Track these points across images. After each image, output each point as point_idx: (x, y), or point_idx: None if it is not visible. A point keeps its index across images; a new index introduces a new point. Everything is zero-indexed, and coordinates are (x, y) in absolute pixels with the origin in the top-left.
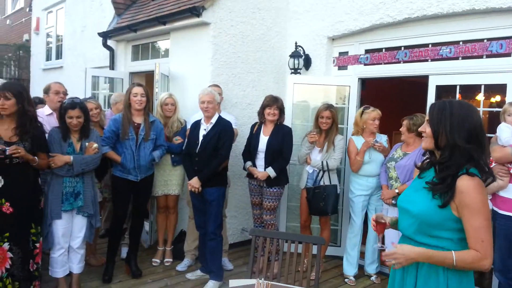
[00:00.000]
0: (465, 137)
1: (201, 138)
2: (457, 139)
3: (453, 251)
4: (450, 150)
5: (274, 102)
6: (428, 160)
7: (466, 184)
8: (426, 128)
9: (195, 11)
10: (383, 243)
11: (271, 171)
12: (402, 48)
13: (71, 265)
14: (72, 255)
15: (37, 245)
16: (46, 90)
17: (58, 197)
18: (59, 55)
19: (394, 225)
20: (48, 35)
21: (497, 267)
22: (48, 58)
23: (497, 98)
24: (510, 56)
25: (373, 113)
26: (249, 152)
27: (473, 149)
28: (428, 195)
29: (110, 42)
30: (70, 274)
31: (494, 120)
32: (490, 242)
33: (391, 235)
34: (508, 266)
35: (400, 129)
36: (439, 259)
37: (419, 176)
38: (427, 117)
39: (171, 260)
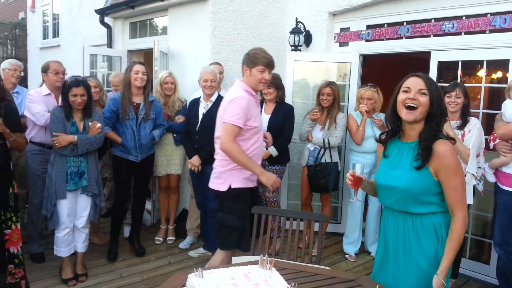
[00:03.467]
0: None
1: (200, 116)
2: (443, 108)
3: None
4: (438, 119)
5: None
6: (386, 134)
7: (442, 149)
8: (420, 99)
9: None
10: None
11: (273, 150)
12: (404, 23)
13: (76, 244)
14: (77, 235)
15: (8, 231)
16: (45, 69)
17: (63, 177)
18: (56, 34)
19: (366, 187)
20: (44, 13)
21: (497, 241)
22: (45, 36)
23: (499, 74)
24: None
25: (362, 92)
26: None
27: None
28: (406, 168)
29: (107, 19)
30: (74, 253)
31: (495, 96)
32: (465, 201)
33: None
34: (507, 240)
35: None
36: (451, 255)
37: (384, 155)
38: (420, 87)
39: (173, 238)
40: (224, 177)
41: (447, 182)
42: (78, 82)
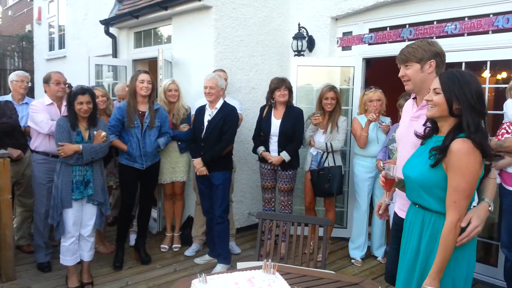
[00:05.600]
0: (477, 101)
1: (206, 123)
2: (472, 102)
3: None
4: (469, 114)
5: (282, 83)
6: (429, 128)
7: (457, 146)
8: (433, 97)
9: None
10: (391, 198)
11: (285, 156)
12: (407, 26)
13: (81, 253)
14: (83, 243)
15: None
16: (46, 80)
17: (68, 186)
18: (62, 45)
19: (399, 185)
20: (50, 25)
21: (504, 243)
22: (51, 48)
23: (503, 74)
24: None
25: (370, 94)
26: (260, 136)
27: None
28: (424, 159)
29: (112, 30)
30: (80, 262)
31: (500, 97)
32: (461, 205)
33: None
34: None
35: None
36: (442, 260)
37: (421, 143)
38: (434, 87)
39: (179, 245)
40: None
41: (450, 180)
42: (84, 90)
